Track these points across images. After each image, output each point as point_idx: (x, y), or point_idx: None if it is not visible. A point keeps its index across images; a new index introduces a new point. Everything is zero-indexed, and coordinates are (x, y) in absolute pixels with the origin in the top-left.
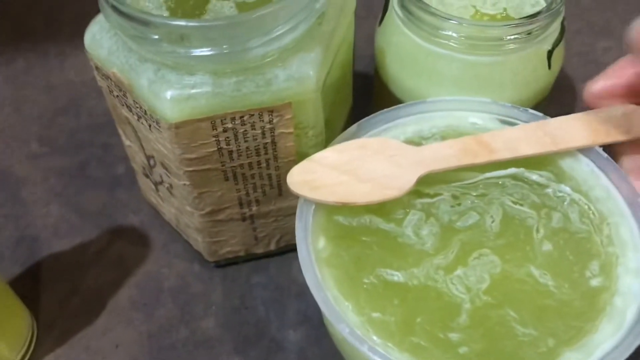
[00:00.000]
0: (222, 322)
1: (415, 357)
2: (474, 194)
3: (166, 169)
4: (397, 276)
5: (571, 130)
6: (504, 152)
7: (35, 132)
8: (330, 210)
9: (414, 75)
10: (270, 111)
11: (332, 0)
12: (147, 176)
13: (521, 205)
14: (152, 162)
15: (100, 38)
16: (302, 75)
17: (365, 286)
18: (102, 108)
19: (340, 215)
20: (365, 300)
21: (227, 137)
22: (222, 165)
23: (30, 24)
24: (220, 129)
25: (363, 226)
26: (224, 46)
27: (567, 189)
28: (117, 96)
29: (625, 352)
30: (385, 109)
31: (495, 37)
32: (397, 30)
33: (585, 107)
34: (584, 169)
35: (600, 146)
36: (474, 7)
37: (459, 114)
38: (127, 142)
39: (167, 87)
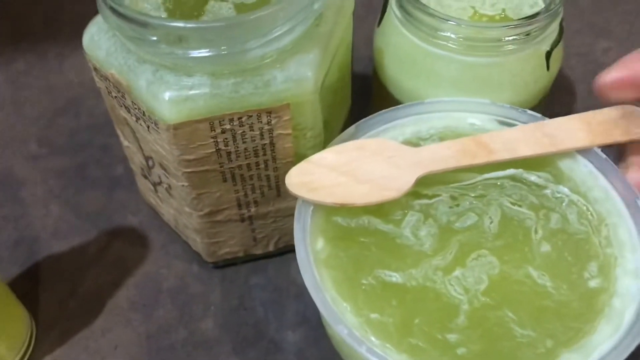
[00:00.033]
0: (220, 322)
1: (413, 358)
2: (473, 195)
3: (165, 169)
4: (396, 277)
5: (570, 131)
6: (503, 153)
7: (34, 132)
8: (328, 211)
9: (413, 76)
10: (269, 112)
11: (330, 2)
12: (145, 177)
13: (520, 206)
14: (150, 163)
15: (99, 39)
16: (300, 76)
17: (363, 287)
18: (101, 109)
19: (338, 216)
20: (363, 302)
21: (226, 139)
22: (221, 167)
23: (29, 25)
24: (218, 130)
25: (361, 227)
26: (222, 47)
27: (566, 190)
28: (116, 97)
29: (624, 353)
30: (383, 110)
31: (494, 38)
32: (395, 31)
33: (585, 108)
34: (583, 170)
35: (599, 147)
36: (473, 8)
37: (458, 115)
38: (125, 143)
39: (165, 89)
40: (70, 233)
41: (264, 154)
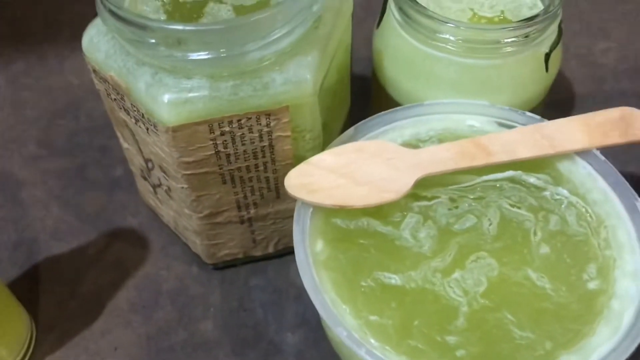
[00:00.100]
0: (220, 324)
1: None
2: (472, 196)
3: (164, 172)
4: (395, 279)
5: (568, 133)
6: (502, 155)
7: (34, 134)
8: (327, 213)
9: (412, 78)
10: (268, 114)
11: (328, 4)
12: (145, 179)
13: (519, 208)
14: (150, 165)
15: (98, 41)
16: (299, 78)
17: (362, 289)
18: (100, 110)
19: (337, 218)
20: (362, 304)
21: (225, 141)
22: (220, 169)
23: (29, 26)
24: (217, 133)
25: (360, 229)
26: (221, 50)
27: (565, 192)
28: (115, 99)
29: (623, 355)
30: (382, 112)
31: (493, 40)
32: (394, 33)
33: (583, 109)
34: (582, 172)
35: (598, 149)
36: (472, 10)
37: (457, 117)
38: (125, 145)
39: (164, 91)
40: (70, 234)
41: (263, 156)
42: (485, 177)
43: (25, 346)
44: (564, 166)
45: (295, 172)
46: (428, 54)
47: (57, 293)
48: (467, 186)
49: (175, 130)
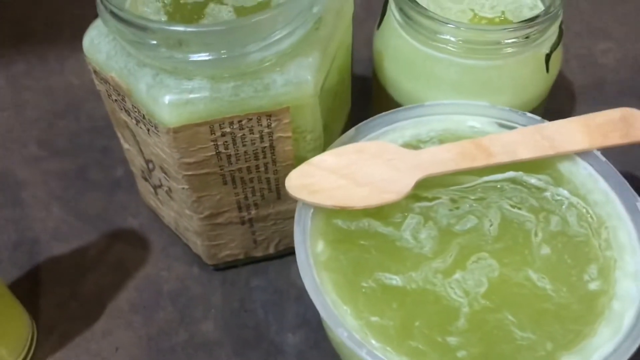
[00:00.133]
0: (221, 325)
1: None
2: (473, 197)
3: (165, 172)
4: (396, 280)
5: (569, 133)
6: (502, 155)
7: (34, 135)
8: (328, 213)
9: (412, 79)
10: (269, 116)
11: (329, 5)
12: (146, 179)
13: (519, 208)
14: (151, 165)
15: (99, 42)
16: (300, 79)
17: (363, 290)
18: (101, 111)
19: (338, 219)
20: (363, 304)
21: (226, 142)
22: (221, 169)
23: (30, 27)
24: (218, 134)
25: (361, 230)
26: (222, 51)
27: (566, 193)
28: (116, 100)
29: (624, 356)
30: (383, 113)
31: (493, 41)
32: (395, 33)
33: (584, 110)
34: (582, 173)
35: (599, 149)
36: (472, 10)
37: (457, 118)
38: (126, 146)
39: (165, 92)
40: (71, 235)
41: (264, 157)
42: (486, 178)
43: (26, 347)
44: (564, 167)
45: (296, 172)
46: (428, 55)
47: (58, 294)
48: (468, 187)
49: (176, 131)
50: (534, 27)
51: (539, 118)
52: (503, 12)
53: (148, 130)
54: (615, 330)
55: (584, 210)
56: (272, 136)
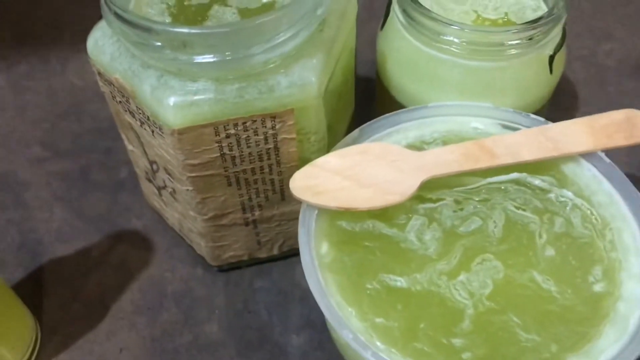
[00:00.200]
0: (225, 326)
1: None
2: (477, 199)
3: (169, 174)
4: (400, 282)
5: (573, 135)
6: (506, 157)
7: (37, 136)
8: (332, 215)
9: (416, 80)
10: (273, 117)
11: (333, 7)
12: (150, 181)
13: (524, 210)
14: (155, 167)
15: (103, 44)
16: (304, 81)
17: (368, 292)
18: (104, 112)
19: (342, 221)
20: (368, 306)
21: (230, 143)
22: (225, 171)
23: (32, 28)
24: (223, 135)
25: (366, 231)
26: (227, 53)
27: (570, 194)
28: (120, 102)
29: (629, 358)
30: (387, 114)
31: (497, 42)
32: (398, 35)
33: (587, 111)
34: (586, 174)
35: (603, 151)
36: (475, 12)
37: (461, 119)
38: (130, 147)
39: (170, 94)
40: (74, 236)
41: (269, 158)
42: (490, 179)
43: (30, 348)
44: (568, 168)
45: (300, 174)
46: (432, 56)
47: (62, 295)
48: (472, 188)
49: (181, 132)
50: (538, 28)
51: (542, 119)
52: (506, 14)
53: (152, 131)
54: (621, 332)
55: (588, 212)
56: (276, 138)
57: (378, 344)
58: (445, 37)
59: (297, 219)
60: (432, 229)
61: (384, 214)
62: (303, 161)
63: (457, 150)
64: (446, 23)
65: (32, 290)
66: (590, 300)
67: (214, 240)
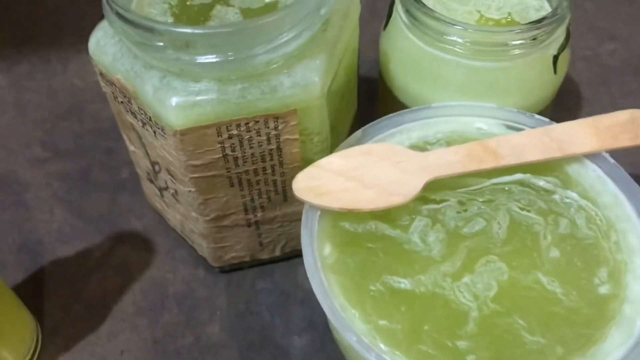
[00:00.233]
0: (227, 327)
1: None
2: (481, 199)
3: (171, 175)
4: (404, 283)
5: (577, 135)
6: (510, 158)
7: (38, 136)
8: (335, 216)
9: (419, 80)
10: (276, 118)
11: (336, 6)
12: (151, 182)
13: (528, 211)
14: (157, 168)
15: (105, 44)
16: (307, 81)
17: (371, 293)
18: (106, 112)
19: (345, 222)
20: (372, 308)
21: (233, 144)
22: (228, 172)
23: (33, 28)
24: (225, 136)
25: (369, 232)
26: (229, 53)
27: (574, 195)
28: (122, 102)
29: None
30: (390, 115)
31: (501, 42)
32: (401, 35)
33: (591, 111)
34: (591, 175)
35: (607, 151)
36: (479, 12)
37: (465, 120)
38: (131, 148)
39: (172, 94)
40: (75, 237)
41: (271, 159)
42: (494, 180)
43: (31, 350)
44: (573, 169)
45: (303, 175)
46: (435, 56)
47: (62, 296)
48: (475, 189)
49: (183, 133)
50: (542, 28)
51: (547, 120)
52: (509, 14)
53: (154, 132)
54: (627, 335)
55: (593, 213)
56: (279, 138)
57: (382, 346)
58: (448, 37)
59: (299, 220)
60: (435, 230)
61: (387, 215)
62: (306, 162)
63: (461, 151)
64: (450, 23)
65: (33, 291)
66: (595, 303)
67: (215, 242)
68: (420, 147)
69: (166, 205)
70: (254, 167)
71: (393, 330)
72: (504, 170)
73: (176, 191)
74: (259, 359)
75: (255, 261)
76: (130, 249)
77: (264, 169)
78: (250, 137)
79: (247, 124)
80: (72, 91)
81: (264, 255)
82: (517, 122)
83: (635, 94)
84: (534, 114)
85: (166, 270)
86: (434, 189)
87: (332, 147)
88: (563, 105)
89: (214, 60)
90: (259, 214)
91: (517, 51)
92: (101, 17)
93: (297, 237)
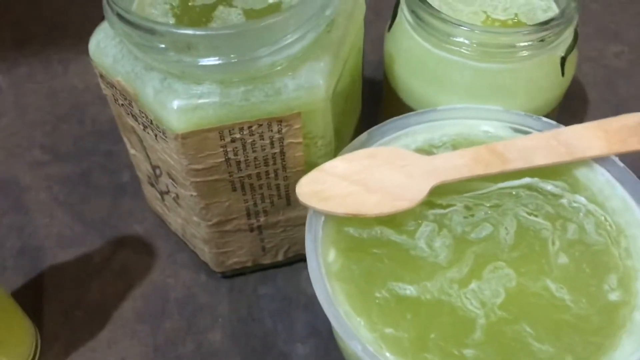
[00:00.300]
0: (229, 334)
1: None
2: (488, 204)
3: (173, 179)
4: (410, 290)
5: (586, 139)
6: (518, 162)
7: (38, 139)
8: (340, 221)
9: (424, 83)
10: (279, 121)
11: (341, 7)
12: (152, 185)
13: (536, 216)
14: (158, 171)
15: (105, 46)
16: (311, 84)
17: (377, 301)
18: (106, 115)
19: (350, 227)
20: (377, 316)
21: (235, 148)
22: (230, 176)
23: (33, 30)
24: (228, 139)
25: (374, 238)
26: (232, 55)
27: (583, 200)
28: (122, 105)
29: None
30: (395, 117)
31: (508, 44)
32: (406, 36)
33: (598, 114)
34: (600, 179)
35: (616, 155)
36: (485, 12)
37: (471, 122)
38: (132, 151)
39: (173, 97)
40: (75, 241)
41: (274, 163)
42: (501, 185)
43: (30, 356)
44: (581, 173)
45: (307, 179)
46: (441, 58)
47: (62, 302)
48: (482, 194)
49: (185, 137)
50: (550, 29)
51: (554, 122)
52: (516, 15)
53: (155, 135)
54: (639, 344)
55: (602, 218)
56: (282, 142)
57: (387, 354)
58: (454, 39)
59: (302, 224)
60: (442, 236)
61: (392, 220)
62: (309, 166)
63: (467, 154)
64: (456, 24)
65: (33, 296)
66: (605, 310)
67: (217, 246)
68: (426, 150)
69: (167, 210)
70: (256, 171)
71: (399, 338)
72: (511, 174)
73: (177, 195)
74: None
75: (258, 266)
76: (130, 254)
77: (267, 173)
78: (253, 140)
79: (250, 127)
80: (72, 93)
81: (267, 260)
82: (524, 125)
83: None
84: (541, 117)
85: (167, 275)
86: (440, 194)
87: (336, 150)
88: (569, 107)
89: (216, 62)
90: (262, 219)
91: (524, 53)
92: (102, 18)
93: (300, 242)
